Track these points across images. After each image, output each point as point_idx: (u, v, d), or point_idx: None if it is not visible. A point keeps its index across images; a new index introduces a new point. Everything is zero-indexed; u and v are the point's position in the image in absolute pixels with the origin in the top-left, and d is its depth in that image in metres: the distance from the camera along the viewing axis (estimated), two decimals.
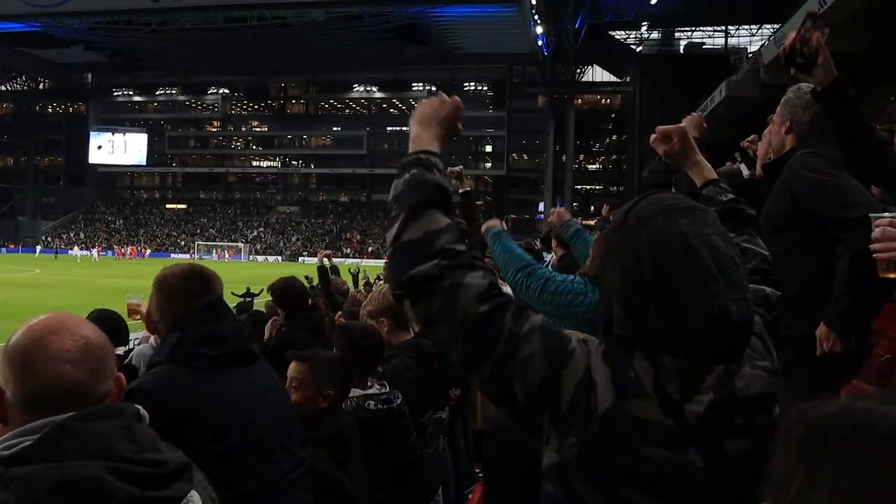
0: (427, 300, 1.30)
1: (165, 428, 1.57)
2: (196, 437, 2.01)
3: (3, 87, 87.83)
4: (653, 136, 2.11)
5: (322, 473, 2.50)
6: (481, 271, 1.32)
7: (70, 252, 66.55)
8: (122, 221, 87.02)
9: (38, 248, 68.48)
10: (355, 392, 3.17)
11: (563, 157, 69.46)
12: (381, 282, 12.01)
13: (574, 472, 1.23)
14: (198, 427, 2.11)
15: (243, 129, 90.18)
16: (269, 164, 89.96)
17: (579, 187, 74.09)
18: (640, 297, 1.26)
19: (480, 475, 5.06)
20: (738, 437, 1.24)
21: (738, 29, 62.36)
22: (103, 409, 1.37)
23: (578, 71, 69.96)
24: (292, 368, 2.87)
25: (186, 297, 2.35)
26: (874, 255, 2.19)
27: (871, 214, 2.25)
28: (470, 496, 4.61)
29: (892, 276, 2.17)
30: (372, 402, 3.18)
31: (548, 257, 7.71)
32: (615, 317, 1.30)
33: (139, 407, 1.46)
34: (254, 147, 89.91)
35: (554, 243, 7.34)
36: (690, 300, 1.23)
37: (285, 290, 5.17)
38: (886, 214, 2.22)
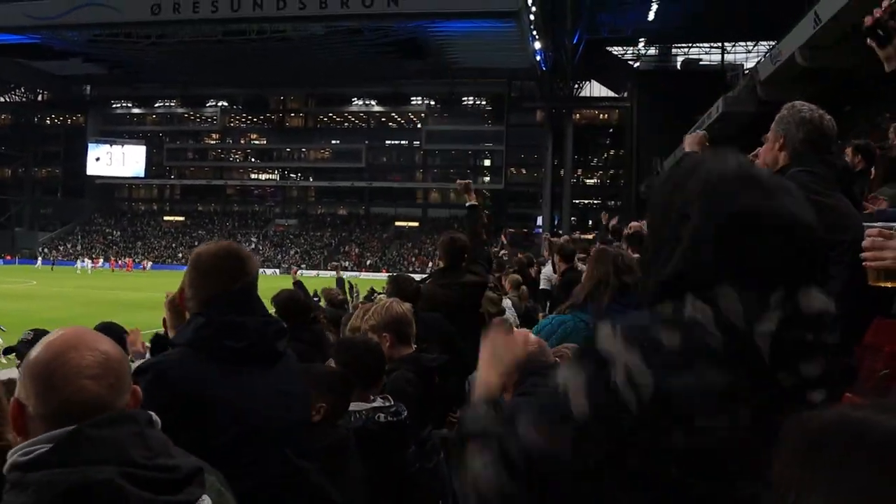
0: None
1: (169, 410, 1.60)
2: (197, 426, 2.02)
3: (2, 99, 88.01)
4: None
5: (314, 486, 2.47)
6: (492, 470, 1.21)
7: (78, 264, 66.22)
8: (119, 233, 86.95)
9: (39, 259, 68.43)
10: (361, 406, 3.18)
11: (562, 172, 69.66)
12: (383, 296, 12.03)
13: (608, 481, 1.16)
14: (201, 416, 2.09)
15: (242, 141, 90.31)
16: (267, 176, 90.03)
17: (577, 201, 74.23)
18: (699, 236, 1.22)
19: None
20: (811, 359, 1.19)
21: (734, 45, 62.73)
22: (116, 415, 1.40)
23: (576, 86, 70.34)
24: None
25: (219, 276, 2.30)
26: (864, 264, 2.22)
27: (864, 224, 2.30)
28: None
29: (882, 284, 2.19)
30: (382, 415, 3.18)
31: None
32: (667, 274, 1.25)
33: (151, 413, 1.49)
34: (252, 160, 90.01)
35: (557, 258, 7.41)
36: (755, 209, 1.20)
37: (288, 303, 5.19)
38: (878, 224, 2.26)
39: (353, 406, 3.18)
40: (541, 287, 9.65)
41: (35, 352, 1.44)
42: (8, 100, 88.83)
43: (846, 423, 0.70)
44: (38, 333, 3.98)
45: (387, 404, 3.26)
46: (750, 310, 1.18)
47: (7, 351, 4.62)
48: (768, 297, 1.19)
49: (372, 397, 3.30)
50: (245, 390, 2.20)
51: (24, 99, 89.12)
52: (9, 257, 74.56)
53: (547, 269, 7.84)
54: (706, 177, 1.26)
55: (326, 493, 2.56)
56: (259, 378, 2.26)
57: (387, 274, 56.10)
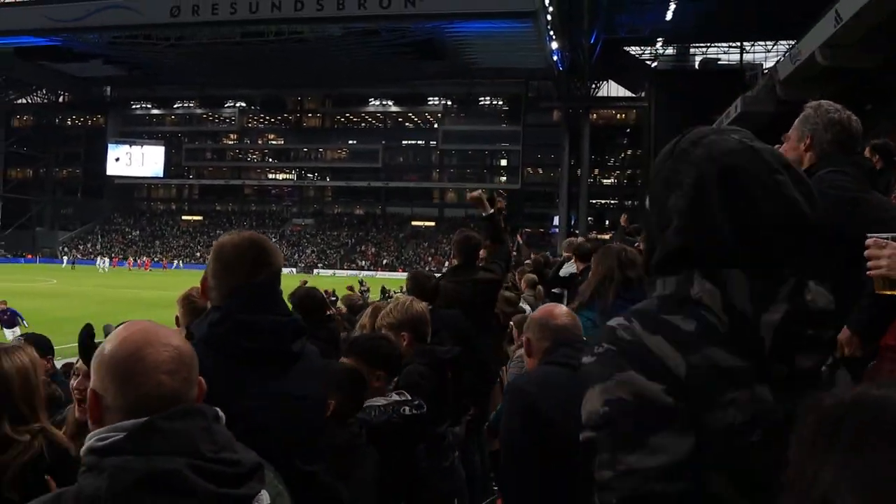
0: None
1: None
2: None
3: (24, 101, 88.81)
4: None
5: (322, 487, 2.42)
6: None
7: (98, 262, 66.64)
8: (138, 233, 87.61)
9: (65, 258, 69.01)
10: (380, 400, 3.19)
11: (578, 172, 69.44)
12: (399, 294, 12.10)
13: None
14: None
15: (259, 142, 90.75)
16: (284, 176, 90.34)
17: (594, 201, 74.01)
18: (706, 206, 1.22)
19: (496, 488, 5.08)
20: (808, 352, 1.21)
21: (753, 45, 62.28)
22: (186, 409, 1.47)
23: (593, 86, 70.01)
24: None
25: (241, 266, 2.24)
26: (867, 273, 2.25)
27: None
28: None
29: (887, 292, 2.22)
30: (407, 408, 3.18)
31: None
32: (671, 244, 1.26)
33: (217, 409, 1.56)
34: (270, 160, 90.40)
35: (574, 258, 7.39)
36: (760, 195, 1.20)
37: (305, 300, 5.18)
38: (875, 235, 2.27)
39: (372, 401, 3.18)
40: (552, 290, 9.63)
41: (110, 346, 1.51)
42: (30, 101, 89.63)
43: (864, 403, 0.69)
44: (28, 338, 4.07)
45: (407, 398, 3.26)
46: (759, 298, 1.19)
47: None
48: (778, 288, 1.20)
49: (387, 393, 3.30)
50: (254, 393, 2.12)
51: (45, 100, 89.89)
52: (30, 256, 75.25)
53: (567, 268, 7.81)
54: (710, 151, 1.25)
55: (334, 493, 2.53)
56: (272, 381, 2.18)
57: (403, 273, 56.19)
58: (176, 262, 73.41)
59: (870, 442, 0.66)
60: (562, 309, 2.63)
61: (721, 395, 1.16)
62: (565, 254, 8.46)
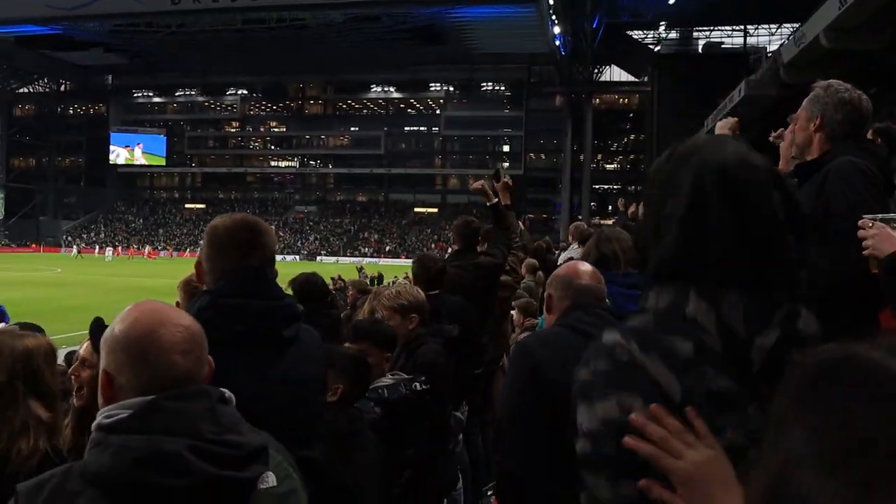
0: None
1: None
2: None
3: (26, 90, 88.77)
4: None
5: (321, 472, 2.39)
6: None
7: (108, 252, 66.70)
8: (141, 221, 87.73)
9: (75, 248, 69.19)
10: (385, 381, 3.21)
11: (581, 157, 69.27)
12: (402, 279, 12.18)
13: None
14: None
15: (262, 129, 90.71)
16: (287, 164, 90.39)
17: (597, 186, 73.87)
18: (704, 215, 1.22)
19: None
20: None
21: (756, 28, 61.96)
22: (191, 391, 1.49)
23: (596, 71, 69.77)
24: None
25: (233, 248, 2.21)
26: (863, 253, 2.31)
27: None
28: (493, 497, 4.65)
29: (874, 272, 2.30)
30: (417, 384, 3.25)
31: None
32: (667, 253, 1.26)
33: (224, 390, 1.57)
34: (272, 147, 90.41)
35: (577, 243, 7.38)
36: (757, 208, 1.21)
37: (305, 286, 5.16)
38: (872, 217, 2.35)
39: (379, 381, 3.20)
40: None
41: (122, 327, 1.52)
42: (31, 90, 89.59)
43: (857, 360, 0.68)
44: (23, 326, 4.05)
45: (410, 375, 3.30)
46: (753, 321, 1.19)
47: None
48: (772, 313, 1.20)
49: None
50: (245, 378, 2.05)
51: (46, 89, 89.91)
52: (34, 246, 75.37)
53: (567, 254, 7.80)
54: (705, 163, 1.25)
55: (334, 477, 2.52)
56: (265, 364, 2.16)
57: (406, 260, 56.25)
58: (147, 249, 73.31)
59: (847, 404, 0.65)
60: (587, 268, 2.53)
61: (715, 418, 1.16)
62: (571, 238, 8.45)
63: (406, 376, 3.29)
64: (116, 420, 1.41)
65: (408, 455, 3.21)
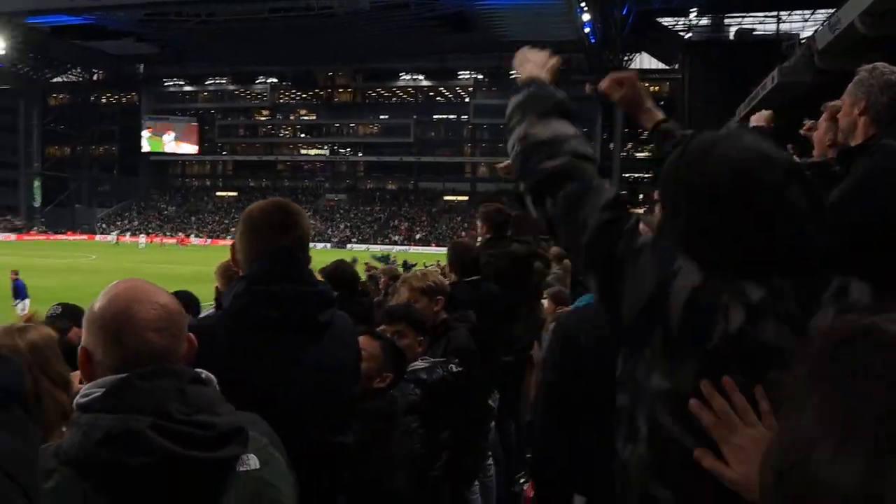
0: (554, 197, 1.38)
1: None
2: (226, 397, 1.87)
3: (60, 79, 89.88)
4: (604, 83, 2.29)
5: (358, 455, 2.43)
6: (608, 180, 1.38)
7: (141, 239, 67.57)
8: (174, 208, 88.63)
9: (114, 234, 70.23)
10: (419, 364, 3.26)
11: (611, 146, 68.76)
12: (433, 266, 12.27)
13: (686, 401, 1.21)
14: (227, 388, 1.85)
15: (291, 117, 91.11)
16: (317, 152, 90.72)
17: (627, 175, 73.30)
18: (733, 213, 1.24)
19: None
20: None
21: (790, 14, 60.88)
22: (162, 369, 1.46)
23: (626, 58, 69.05)
24: (364, 341, 2.83)
25: (266, 230, 2.22)
26: None
27: None
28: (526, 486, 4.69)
29: None
30: (453, 367, 3.30)
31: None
32: (710, 246, 1.28)
33: (202, 371, 1.55)
34: (302, 135, 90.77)
35: None
36: (772, 202, 1.23)
37: (336, 274, 5.19)
38: None
39: (414, 365, 3.24)
40: None
41: (99, 304, 1.52)
42: (65, 80, 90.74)
43: (874, 333, 0.66)
44: (66, 307, 4.10)
45: (442, 358, 3.35)
46: (805, 305, 1.22)
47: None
48: (822, 294, 1.23)
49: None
50: (277, 364, 2.09)
51: (80, 79, 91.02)
52: (69, 234, 76.50)
53: None
54: (721, 159, 1.26)
55: (368, 463, 2.54)
56: (298, 350, 2.15)
57: (436, 248, 56.24)
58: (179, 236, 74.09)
59: (861, 376, 0.63)
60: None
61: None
62: None
63: (440, 359, 3.34)
64: (91, 399, 1.41)
65: (443, 438, 3.24)
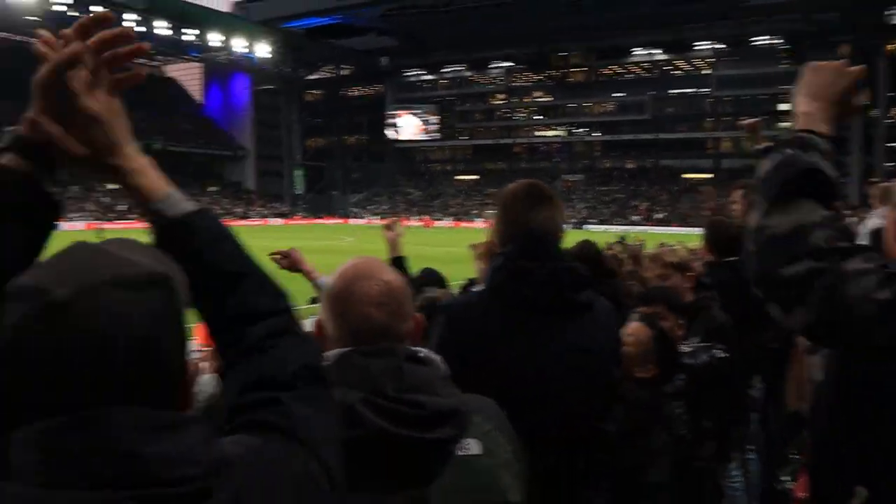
0: (801, 308, 1.20)
1: (450, 353, 1.65)
2: (475, 374, 1.79)
3: (313, 77, 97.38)
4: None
5: (619, 443, 2.41)
6: (860, 256, 1.19)
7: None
8: (420, 192, 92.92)
9: (368, 218, 76.36)
10: (682, 349, 3.19)
11: (874, 112, 62.59)
12: (676, 246, 11.90)
13: None
14: (478, 365, 1.96)
15: (526, 100, 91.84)
16: (552, 133, 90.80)
17: (892, 145, 66.46)
18: None
19: (795, 457, 4.83)
20: None
21: None
22: (380, 348, 1.51)
23: (888, 13, 62.42)
24: (634, 327, 2.86)
25: (518, 211, 2.30)
26: None
27: None
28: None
29: None
30: (718, 352, 3.22)
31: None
32: None
33: (421, 350, 1.57)
34: (537, 117, 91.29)
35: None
36: None
37: (580, 254, 5.14)
38: None
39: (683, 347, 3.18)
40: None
41: (332, 281, 1.62)
42: (318, 77, 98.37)
43: None
44: (426, 272, 4.53)
45: (705, 343, 3.24)
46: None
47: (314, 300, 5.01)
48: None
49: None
50: (529, 344, 2.10)
51: (331, 75, 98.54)
52: (326, 218, 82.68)
53: (873, 221, 6.92)
54: None
55: (628, 452, 2.53)
56: (554, 330, 2.15)
57: (677, 228, 54.31)
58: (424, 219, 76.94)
59: None
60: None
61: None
62: (878, 203, 7.29)
63: (703, 344, 3.22)
64: None
65: (706, 427, 3.14)
